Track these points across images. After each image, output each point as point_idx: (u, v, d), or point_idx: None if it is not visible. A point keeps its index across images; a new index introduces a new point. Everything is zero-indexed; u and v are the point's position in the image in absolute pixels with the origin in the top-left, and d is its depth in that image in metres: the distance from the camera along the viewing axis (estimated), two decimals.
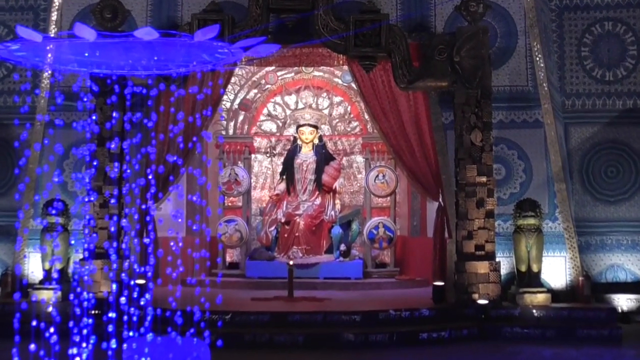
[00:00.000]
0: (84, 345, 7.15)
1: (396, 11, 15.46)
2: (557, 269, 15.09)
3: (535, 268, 14.53)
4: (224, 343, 7.71)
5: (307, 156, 18.19)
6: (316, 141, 18.24)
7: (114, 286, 7.65)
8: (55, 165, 14.88)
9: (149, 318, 7.42)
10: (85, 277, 7.57)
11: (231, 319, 12.82)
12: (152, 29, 6.54)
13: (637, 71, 15.77)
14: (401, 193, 18.41)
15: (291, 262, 15.57)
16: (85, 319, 7.18)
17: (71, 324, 7.14)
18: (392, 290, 16.40)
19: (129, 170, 7.93)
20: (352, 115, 19.05)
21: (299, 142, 18.29)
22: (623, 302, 14.96)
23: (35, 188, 15.13)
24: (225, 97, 17.92)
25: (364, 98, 15.42)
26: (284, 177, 18.30)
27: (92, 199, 8.42)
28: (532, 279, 14.47)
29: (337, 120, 19.09)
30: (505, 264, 14.81)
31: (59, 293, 12.52)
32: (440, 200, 15.11)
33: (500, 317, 13.79)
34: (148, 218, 8.45)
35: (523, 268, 14.56)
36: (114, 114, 8.17)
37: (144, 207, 8.94)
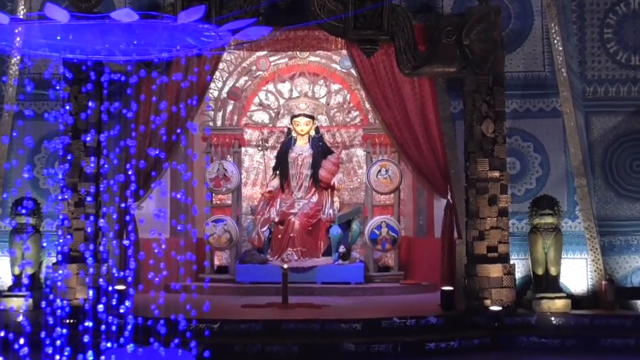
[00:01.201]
0: (57, 357, 7.16)
1: None
2: (577, 273, 15.10)
3: (553, 271, 14.55)
4: (211, 354, 7.71)
5: (302, 149, 18.19)
6: (312, 133, 18.25)
7: (91, 293, 7.66)
8: (25, 160, 14.87)
9: (129, 327, 7.43)
10: (59, 283, 7.58)
11: (220, 328, 12.84)
12: (132, 10, 6.55)
13: None
14: (406, 190, 18.42)
15: (285, 266, 15.58)
16: (58, 329, 7.19)
17: (43, 334, 7.15)
18: (396, 296, 16.42)
19: (106, 166, 7.95)
20: (351, 105, 19.04)
21: (293, 134, 18.29)
22: None
23: (3, 185, 15.13)
24: (212, 85, 17.91)
25: (365, 85, 15.41)
26: (277, 172, 18.30)
27: (66, 197, 8.41)
28: (550, 284, 14.49)
29: (336, 110, 19.09)
30: (520, 266, 14.83)
31: (30, 300, 12.51)
32: (449, 197, 15.12)
33: (515, 326, 13.80)
34: (128, 218, 8.44)
35: (540, 271, 14.57)
36: (90, 104, 8.15)
37: (123, 205, 8.96)
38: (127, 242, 8.09)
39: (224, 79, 18.60)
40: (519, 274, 14.70)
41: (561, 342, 13.38)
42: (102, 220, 7.92)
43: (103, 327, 7.34)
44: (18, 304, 12.83)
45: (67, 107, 8.39)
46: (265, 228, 17.74)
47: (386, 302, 15.59)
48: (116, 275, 7.78)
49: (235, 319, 13.37)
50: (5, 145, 14.81)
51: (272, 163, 18.60)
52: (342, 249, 17.52)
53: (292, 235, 17.63)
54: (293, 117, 18.30)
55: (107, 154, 7.88)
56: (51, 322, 7.18)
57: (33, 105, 14.75)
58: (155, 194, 15.16)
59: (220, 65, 17.57)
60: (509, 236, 14.41)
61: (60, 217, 8.41)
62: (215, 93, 18.56)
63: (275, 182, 18.23)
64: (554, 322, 13.85)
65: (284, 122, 18.82)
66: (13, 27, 6.84)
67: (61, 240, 8.17)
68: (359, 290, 16.72)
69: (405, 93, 15.22)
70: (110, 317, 7.35)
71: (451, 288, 14.45)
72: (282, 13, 14.65)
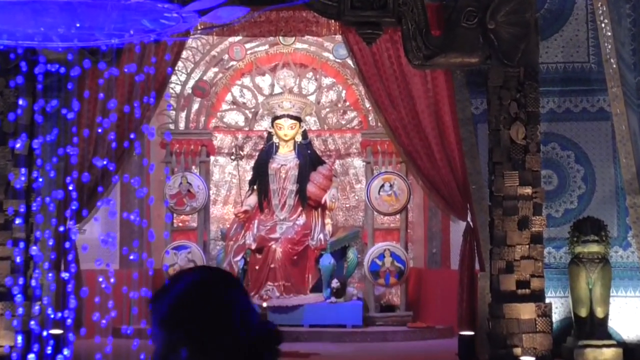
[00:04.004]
0: None
1: None
2: (630, 314, 15.13)
3: (600, 313, 14.57)
4: None
5: (286, 159, 18.21)
6: (299, 138, 18.27)
7: (20, 338, 7.64)
8: None
9: None
10: None
11: None
12: None
13: None
14: (415, 210, 18.46)
15: (264, 304, 15.59)
16: None
17: None
18: (403, 343, 16.44)
19: (41, 179, 7.94)
20: (347, 104, 19.09)
21: (275, 139, 18.31)
22: None
23: None
24: (173, 78, 17.93)
25: (365, 80, 15.45)
26: (255, 187, 18.31)
27: None
28: (595, 328, 14.51)
29: (328, 109, 19.12)
30: (558, 306, 14.85)
31: None
32: (469, 219, 15.15)
33: None
34: (67, 244, 8.45)
35: (583, 313, 14.59)
36: (20, 102, 8.16)
37: (61, 229, 8.95)
38: (67, 274, 8.08)
39: (189, 70, 18.62)
40: (556, 315, 14.71)
41: None
42: (34, 247, 7.92)
43: None
44: None
45: None
46: (239, 257, 17.72)
47: (390, 350, 15.62)
48: (52, 316, 7.76)
49: None
50: None
51: (249, 176, 18.61)
52: (335, 283, 17.50)
53: (272, 266, 17.61)
54: (275, 118, 18.30)
55: (41, 164, 7.88)
56: None
57: None
58: (102, 215, 15.16)
59: (184, 54, 17.59)
60: (544, 268, 14.42)
61: None
62: (178, 88, 18.58)
63: (252, 200, 18.22)
64: None
65: (264, 124, 18.86)
66: None
67: None
68: (356, 335, 16.73)
69: (414, 89, 15.27)
70: None
71: (472, 333, 14.47)
72: None
